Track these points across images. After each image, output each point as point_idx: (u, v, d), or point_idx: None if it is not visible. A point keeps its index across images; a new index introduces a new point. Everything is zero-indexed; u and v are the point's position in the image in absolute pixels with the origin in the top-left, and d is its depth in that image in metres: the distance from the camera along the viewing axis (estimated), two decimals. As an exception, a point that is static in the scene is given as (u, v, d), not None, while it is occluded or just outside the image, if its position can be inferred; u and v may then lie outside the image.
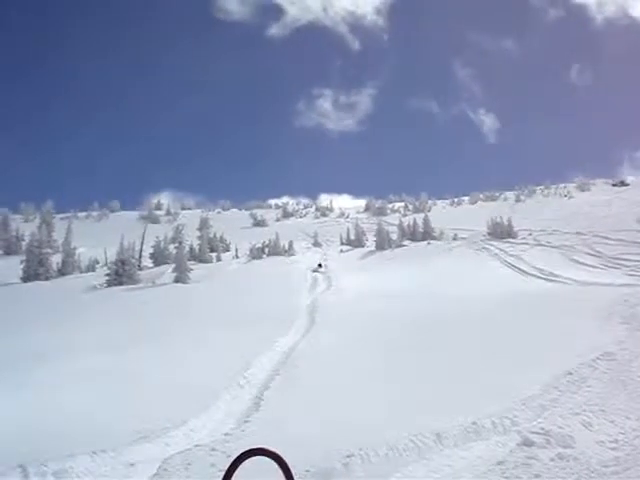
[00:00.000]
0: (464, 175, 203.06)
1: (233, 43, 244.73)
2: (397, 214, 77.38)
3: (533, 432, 8.68)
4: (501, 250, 41.22)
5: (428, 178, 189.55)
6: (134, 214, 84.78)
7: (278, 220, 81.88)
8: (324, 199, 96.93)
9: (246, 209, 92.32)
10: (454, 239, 50.08)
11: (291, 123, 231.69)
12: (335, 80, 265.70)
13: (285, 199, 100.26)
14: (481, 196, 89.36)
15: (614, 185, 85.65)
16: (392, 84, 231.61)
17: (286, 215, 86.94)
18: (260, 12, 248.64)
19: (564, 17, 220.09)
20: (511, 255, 38.87)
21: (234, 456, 1.79)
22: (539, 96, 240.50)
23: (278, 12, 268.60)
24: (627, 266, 31.41)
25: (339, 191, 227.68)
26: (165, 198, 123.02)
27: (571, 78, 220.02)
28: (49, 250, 42.69)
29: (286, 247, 48.65)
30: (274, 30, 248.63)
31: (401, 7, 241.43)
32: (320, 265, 22.23)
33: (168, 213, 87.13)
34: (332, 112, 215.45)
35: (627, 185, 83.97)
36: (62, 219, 65.97)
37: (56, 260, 42.52)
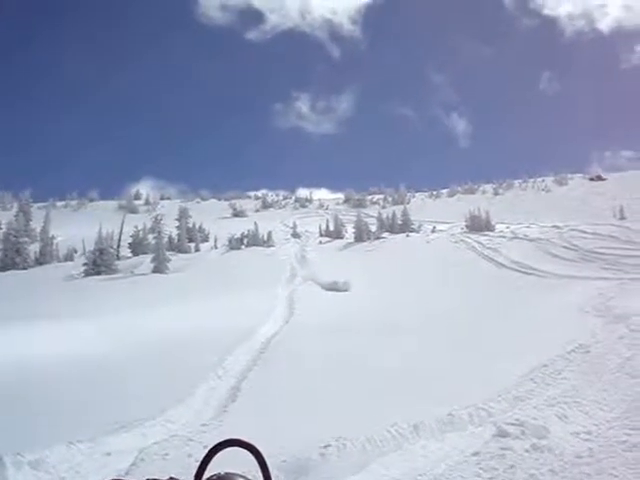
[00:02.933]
0: (441, 172, 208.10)
1: (215, 45, 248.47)
2: (376, 206, 77.42)
3: (508, 423, 8.78)
4: (479, 243, 41.37)
5: (406, 174, 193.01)
6: (113, 204, 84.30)
7: (257, 211, 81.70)
8: (302, 193, 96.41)
9: (225, 199, 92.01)
10: (432, 231, 50.23)
11: (270, 123, 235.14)
12: (314, 84, 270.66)
13: (263, 192, 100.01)
14: (459, 189, 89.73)
15: (591, 180, 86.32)
16: (369, 89, 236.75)
17: (265, 206, 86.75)
18: (241, 18, 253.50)
19: (537, 27, 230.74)
20: (488, 248, 39.04)
21: (210, 446, 1.80)
22: (510, 101, 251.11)
23: (259, 19, 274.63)
24: (603, 260, 31.63)
25: (317, 185, 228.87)
26: (145, 187, 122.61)
27: (541, 85, 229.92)
28: (26, 239, 42.36)
29: (265, 238, 48.62)
30: (255, 35, 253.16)
31: (377, 14, 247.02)
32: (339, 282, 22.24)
33: (147, 203, 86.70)
34: (310, 114, 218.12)
35: (604, 180, 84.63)
36: (40, 208, 65.35)
37: (34, 249, 42.24)
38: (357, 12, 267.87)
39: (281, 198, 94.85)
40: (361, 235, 47.95)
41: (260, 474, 1.72)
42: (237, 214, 75.83)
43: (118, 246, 42.97)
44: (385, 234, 50.79)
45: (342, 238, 51.03)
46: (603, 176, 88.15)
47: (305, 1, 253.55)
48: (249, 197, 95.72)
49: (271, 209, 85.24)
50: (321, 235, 53.51)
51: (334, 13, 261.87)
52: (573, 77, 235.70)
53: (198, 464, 1.73)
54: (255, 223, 51.06)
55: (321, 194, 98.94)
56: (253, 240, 48.06)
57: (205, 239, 52.14)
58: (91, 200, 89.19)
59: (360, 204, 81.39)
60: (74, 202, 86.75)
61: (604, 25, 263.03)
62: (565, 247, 36.40)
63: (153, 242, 40.58)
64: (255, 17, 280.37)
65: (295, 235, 54.44)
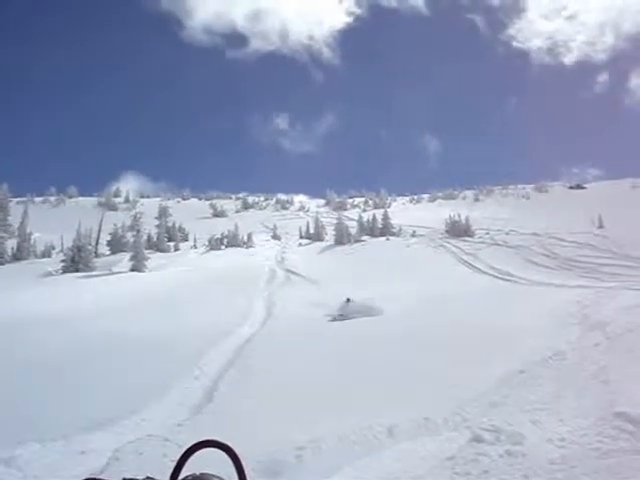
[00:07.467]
0: (419, 184, 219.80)
1: (200, 63, 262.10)
2: (357, 209, 77.58)
3: (483, 428, 8.79)
4: (458, 248, 41.55)
5: (385, 184, 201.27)
6: (92, 200, 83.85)
7: (238, 211, 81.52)
8: (282, 197, 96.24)
9: (206, 199, 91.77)
10: (412, 236, 50.34)
11: (251, 136, 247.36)
12: (293, 104, 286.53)
13: (244, 194, 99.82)
14: (440, 194, 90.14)
15: (571, 188, 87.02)
16: (347, 111, 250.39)
17: (246, 207, 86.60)
18: (225, 41, 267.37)
19: (509, 57, 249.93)
20: (467, 253, 39.23)
21: (186, 446, 1.79)
22: (481, 123, 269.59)
23: (242, 42, 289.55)
24: (581, 267, 31.90)
25: (296, 191, 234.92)
26: (126, 184, 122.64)
27: (509, 109, 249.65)
28: (4, 234, 42.04)
29: (245, 239, 48.55)
30: (239, 57, 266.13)
31: (351, 39, 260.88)
32: (348, 300, 22.38)
33: (127, 200, 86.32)
34: (290, 131, 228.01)
35: (584, 188, 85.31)
36: (18, 203, 64.95)
37: (11, 245, 41.91)
38: (333, 38, 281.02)
39: (262, 199, 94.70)
40: (341, 238, 48.05)
41: (235, 475, 1.72)
42: (217, 214, 75.73)
43: (96, 243, 42.76)
44: (365, 237, 50.91)
45: (322, 240, 51.10)
46: (583, 185, 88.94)
47: (284, 27, 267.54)
48: (230, 198, 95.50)
49: (251, 210, 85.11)
50: (301, 237, 53.57)
51: (311, 39, 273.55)
52: (541, 103, 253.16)
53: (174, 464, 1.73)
54: (235, 224, 51.02)
55: (300, 199, 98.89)
56: (233, 241, 48.02)
57: (185, 238, 52.05)
58: (70, 196, 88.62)
59: (341, 207, 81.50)
60: (53, 198, 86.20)
61: (568, 60, 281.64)
62: (544, 254, 36.63)
63: (132, 240, 40.41)
64: (239, 40, 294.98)
65: (275, 237, 54.47)
